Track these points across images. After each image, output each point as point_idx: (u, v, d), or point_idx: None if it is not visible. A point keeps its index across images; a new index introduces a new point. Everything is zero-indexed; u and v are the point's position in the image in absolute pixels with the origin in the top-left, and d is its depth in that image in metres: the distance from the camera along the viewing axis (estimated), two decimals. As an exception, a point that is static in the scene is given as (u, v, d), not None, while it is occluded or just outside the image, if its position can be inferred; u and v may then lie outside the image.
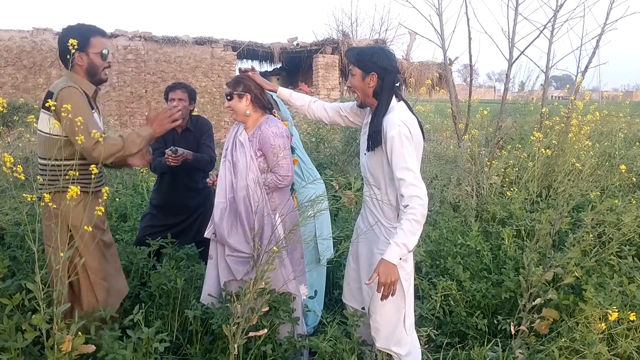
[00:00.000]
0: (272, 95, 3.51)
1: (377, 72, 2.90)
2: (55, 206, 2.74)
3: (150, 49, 16.24)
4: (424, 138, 3.02)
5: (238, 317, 2.86)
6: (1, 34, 14.87)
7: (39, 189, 3.02)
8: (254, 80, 3.36)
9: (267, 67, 21.77)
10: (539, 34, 6.46)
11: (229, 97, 3.35)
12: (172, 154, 3.99)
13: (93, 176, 2.76)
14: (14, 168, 2.74)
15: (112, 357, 2.62)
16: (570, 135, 6.43)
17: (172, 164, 4.02)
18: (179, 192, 4.31)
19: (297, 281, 3.39)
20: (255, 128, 3.35)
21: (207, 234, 3.43)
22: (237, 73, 3.45)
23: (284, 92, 3.45)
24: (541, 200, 5.74)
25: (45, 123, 2.91)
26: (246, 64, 20.97)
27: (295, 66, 20.13)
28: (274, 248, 2.96)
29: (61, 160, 2.90)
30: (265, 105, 3.39)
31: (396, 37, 25.00)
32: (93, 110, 3.00)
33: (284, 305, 3.23)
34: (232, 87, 3.34)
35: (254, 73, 3.40)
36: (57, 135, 2.90)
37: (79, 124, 2.69)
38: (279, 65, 20.81)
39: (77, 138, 2.72)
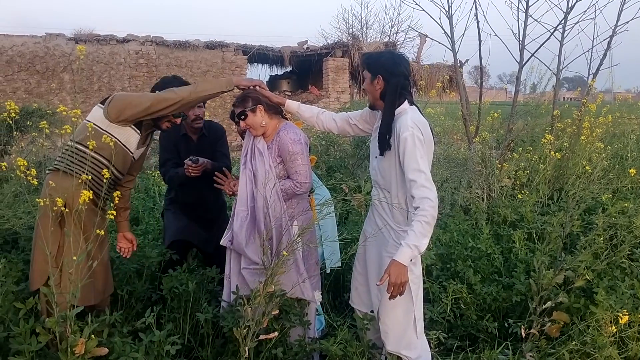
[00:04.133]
0: None
1: (382, 75, 2.94)
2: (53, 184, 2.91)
3: (161, 54, 16.36)
4: (434, 141, 3.04)
5: (249, 320, 2.88)
6: (14, 40, 15.03)
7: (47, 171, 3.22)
8: (260, 92, 3.32)
9: (277, 71, 21.85)
10: (550, 35, 6.44)
11: (243, 117, 3.29)
12: (192, 164, 3.80)
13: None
14: (28, 172, 2.79)
15: (124, 360, 2.65)
16: (582, 138, 6.40)
17: (192, 174, 3.82)
18: (197, 205, 4.14)
19: (312, 287, 3.40)
20: (274, 135, 3.34)
21: (223, 241, 3.40)
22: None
23: (292, 105, 3.44)
24: (552, 203, 5.72)
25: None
26: (257, 68, 21.09)
27: (306, 70, 20.17)
28: (284, 252, 2.97)
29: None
30: (278, 110, 3.38)
31: (406, 40, 24.95)
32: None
33: (294, 308, 3.24)
34: (242, 106, 3.29)
35: (262, 87, 3.35)
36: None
37: None
38: (289, 69, 20.86)
39: None
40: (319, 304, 3.60)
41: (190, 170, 3.80)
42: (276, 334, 3.05)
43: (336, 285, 4.37)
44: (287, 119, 3.47)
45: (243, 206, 3.32)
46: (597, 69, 6.95)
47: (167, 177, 4.08)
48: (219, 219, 4.22)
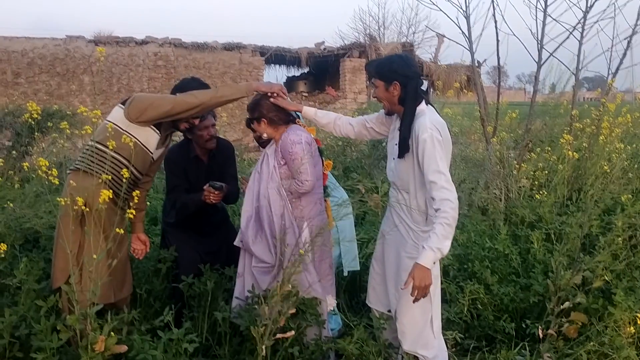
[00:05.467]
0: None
1: (399, 81, 2.94)
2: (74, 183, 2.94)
3: (179, 55, 16.48)
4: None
5: (266, 319, 2.90)
6: (35, 42, 15.24)
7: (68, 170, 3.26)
8: (270, 101, 3.35)
9: (294, 72, 21.90)
10: (569, 35, 6.38)
11: (250, 122, 3.45)
12: (214, 190, 3.60)
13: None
14: (49, 172, 2.84)
15: (142, 357, 2.69)
16: (601, 138, 6.34)
17: (214, 201, 3.64)
18: (203, 222, 3.96)
19: (324, 290, 3.42)
20: (280, 140, 3.41)
21: (236, 241, 3.51)
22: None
23: (309, 112, 3.48)
24: (571, 204, 5.67)
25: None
26: (274, 69, 21.15)
27: (323, 70, 20.19)
28: (300, 251, 3.00)
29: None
30: (285, 119, 3.43)
31: (424, 40, 24.85)
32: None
33: (310, 308, 3.26)
34: (250, 113, 3.43)
35: (277, 97, 3.35)
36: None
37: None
38: (306, 70, 20.90)
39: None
40: (333, 307, 3.61)
41: (212, 198, 3.63)
42: (293, 332, 3.07)
43: (353, 285, 4.38)
44: (297, 123, 3.49)
45: (248, 206, 3.43)
46: (617, 69, 6.86)
47: (180, 204, 3.83)
48: (225, 224, 4.19)
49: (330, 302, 3.48)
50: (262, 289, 3.29)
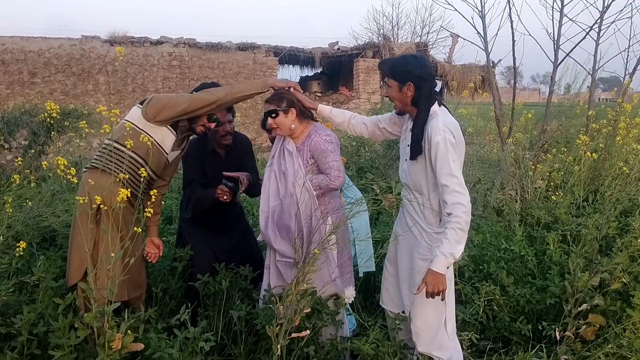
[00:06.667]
0: None
1: (413, 82, 2.92)
2: (93, 182, 2.94)
3: (194, 55, 16.52)
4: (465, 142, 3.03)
5: (281, 318, 2.90)
6: (51, 42, 15.35)
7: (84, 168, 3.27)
8: (295, 95, 3.35)
9: (308, 72, 21.87)
10: (585, 35, 6.35)
11: (274, 115, 3.32)
12: (226, 189, 3.60)
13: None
14: (67, 171, 2.86)
15: (159, 355, 2.70)
16: (618, 139, 6.29)
17: (226, 199, 3.64)
18: (219, 219, 3.96)
19: (343, 283, 3.42)
20: (304, 137, 3.37)
21: (259, 237, 3.52)
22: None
23: (324, 110, 3.46)
24: (587, 205, 5.63)
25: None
26: (287, 69, 21.16)
27: (336, 70, 20.16)
28: (316, 250, 2.99)
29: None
30: (309, 114, 3.41)
31: (438, 40, 24.75)
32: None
33: (326, 307, 3.26)
34: (275, 104, 3.32)
35: (295, 90, 3.37)
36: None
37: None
38: (319, 70, 20.88)
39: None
40: (349, 304, 3.61)
41: (226, 198, 3.63)
42: (308, 332, 3.07)
43: (367, 285, 4.37)
44: (317, 121, 3.50)
45: (265, 206, 3.39)
46: (634, 69, 6.83)
47: (195, 199, 3.85)
48: (241, 221, 4.19)
49: (349, 294, 3.46)
50: (287, 282, 3.27)
